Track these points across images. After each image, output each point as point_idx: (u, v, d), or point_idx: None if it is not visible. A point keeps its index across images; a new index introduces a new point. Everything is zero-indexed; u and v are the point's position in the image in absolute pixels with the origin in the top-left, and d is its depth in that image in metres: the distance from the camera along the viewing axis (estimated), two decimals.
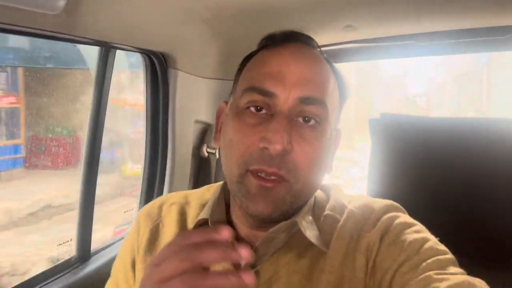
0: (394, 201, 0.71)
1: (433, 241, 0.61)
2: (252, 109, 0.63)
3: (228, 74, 1.42)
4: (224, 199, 0.72)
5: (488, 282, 0.54)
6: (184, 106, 1.31)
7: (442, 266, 0.56)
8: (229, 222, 0.70)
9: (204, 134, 1.45)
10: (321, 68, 0.66)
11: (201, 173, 1.48)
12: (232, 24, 1.21)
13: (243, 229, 0.68)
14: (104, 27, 0.95)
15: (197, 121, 1.40)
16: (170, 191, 1.33)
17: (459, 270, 0.56)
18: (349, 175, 7.53)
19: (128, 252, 0.75)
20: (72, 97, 2.87)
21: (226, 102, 0.72)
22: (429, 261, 0.57)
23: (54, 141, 3.35)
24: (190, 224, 0.73)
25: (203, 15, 1.13)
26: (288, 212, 0.63)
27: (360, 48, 1.36)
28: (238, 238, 0.68)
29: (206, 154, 1.45)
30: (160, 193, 1.34)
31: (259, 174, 0.60)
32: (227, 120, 0.67)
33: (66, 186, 3.20)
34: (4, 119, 3.37)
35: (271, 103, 0.62)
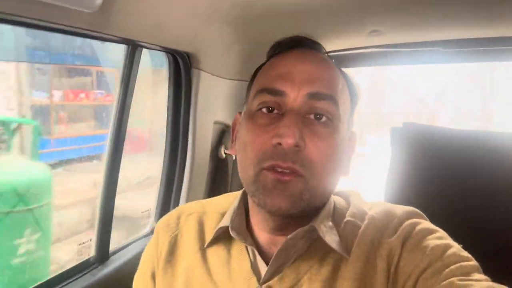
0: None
1: (456, 247, 0.60)
2: (264, 110, 0.64)
3: (250, 75, 1.40)
4: (244, 207, 0.72)
5: None
6: (205, 106, 1.30)
7: (465, 272, 0.55)
8: (249, 230, 0.70)
9: (223, 135, 1.44)
10: (328, 68, 0.67)
11: (218, 173, 1.47)
12: (256, 26, 1.20)
13: (263, 236, 0.68)
14: (132, 26, 0.94)
15: (216, 122, 1.39)
16: (188, 191, 1.32)
17: (483, 277, 0.55)
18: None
19: (148, 264, 0.76)
20: (145, 96, 3.19)
21: (240, 113, 0.72)
22: (452, 267, 0.56)
23: (135, 131, 4.48)
24: (208, 233, 0.73)
25: (229, 15, 1.12)
26: (306, 210, 0.62)
27: (384, 53, 1.35)
28: (258, 246, 0.67)
29: (224, 155, 1.44)
30: (178, 193, 1.33)
31: (275, 169, 0.60)
32: (241, 127, 0.68)
33: (149, 163, 4.31)
34: (106, 114, 5.11)
35: (281, 102, 0.63)
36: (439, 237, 0.62)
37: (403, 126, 1.13)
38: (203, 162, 1.37)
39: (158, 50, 1.14)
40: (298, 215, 0.62)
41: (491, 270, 0.60)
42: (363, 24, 1.21)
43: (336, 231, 0.66)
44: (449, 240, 0.62)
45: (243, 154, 0.64)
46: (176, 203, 1.32)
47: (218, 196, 0.82)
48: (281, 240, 0.64)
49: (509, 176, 1.02)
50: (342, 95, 0.66)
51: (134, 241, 1.26)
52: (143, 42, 1.04)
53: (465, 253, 0.59)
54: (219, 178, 1.46)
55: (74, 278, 1.06)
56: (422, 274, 0.57)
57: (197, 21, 1.08)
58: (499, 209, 1.03)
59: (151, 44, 1.06)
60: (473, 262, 0.58)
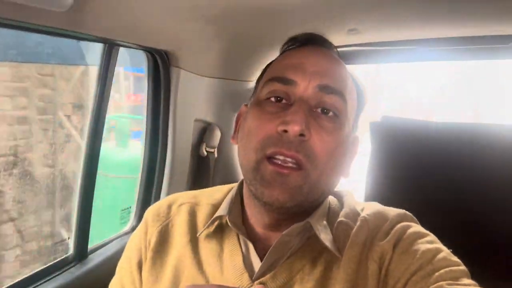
0: (392, 204, 0.71)
1: (446, 252, 0.61)
2: (272, 99, 0.64)
3: (230, 73, 1.41)
4: (240, 198, 0.72)
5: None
6: (185, 104, 1.30)
7: (455, 277, 0.56)
8: (244, 223, 0.69)
9: (204, 133, 1.44)
10: (339, 65, 0.68)
11: (200, 171, 1.47)
12: (235, 23, 1.20)
13: (258, 230, 0.68)
14: (108, 24, 0.94)
15: (197, 120, 1.39)
16: (168, 189, 1.32)
17: (471, 282, 0.56)
18: None
19: (135, 252, 0.74)
20: None
21: (247, 105, 0.73)
22: (442, 271, 0.57)
23: None
24: (201, 224, 0.72)
25: (207, 14, 1.11)
26: (303, 204, 0.62)
27: (363, 52, 1.36)
28: (253, 240, 0.67)
29: (205, 153, 1.44)
30: (158, 191, 1.33)
31: (276, 159, 0.60)
32: (247, 115, 0.68)
33: None
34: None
35: (290, 92, 0.63)
36: (430, 241, 0.62)
37: (381, 120, 1.14)
38: (183, 160, 1.37)
39: (136, 49, 1.13)
40: (294, 209, 0.62)
41: (471, 262, 0.61)
42: (342, 22, 1.22)
43: (330, 231, 0.66)
44: (439, 244, 0.62)
45: (246, 140, 0.64)
46: (157, 201, 1.32)
47: (211, 188, 0.81)
48: (275, 236, 0.64)
49: (490, 167, 1.03)
50: (350, 95, 0.67)
51: (113, 239, 1.26)
52: (119, 40, 1.03)
53: (455, 258, 0.60)
54: (201, 176, 1.46)
55: (51, 276, 1.05)
56: (411, 277, 0.58)
57: (175, 19, 1.08)
58: (480, 201, 1.04)
59: (128, 42, 1.06)
60: (462, 267, 0.59)
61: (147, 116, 1.29)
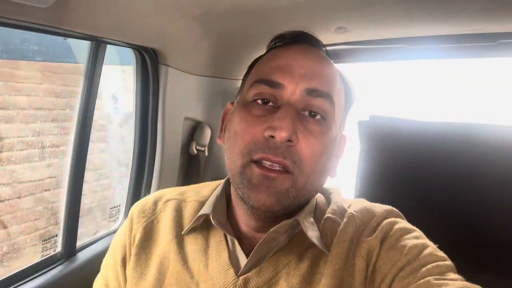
0: (382, 202, 0.71)
1: (432, 247, 0.61)
2: (259, 101, 0.63)
3: (219, 71, 1.41)
4: (226, 197, 0.72)
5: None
6: (174, 103, 1.30)
7: (441, 272, 0.56)
8: (230, 220, 0.69)
9: (194, 131, 1.45)
10: (327, 66, 0.66)
11: (190, 170, 1.47)
12: (223, 22, 1.20)
13: (244, 229, 0.68)
14: (95, 22, 0.94)
15: (186, 118, 1.40)
16: (158, 187, 1.32)
17: (458, 276, 0.56)
18: None
19: (119, 249, 0.74)
20: None
21: (232, 103, 0.72)
22: (428, 266, 0.57)
23: None
24: (187, 221, 0.72)
25: (195, 12, 1.12)
26: (290, 207, 0.62)
27: (351, 50, 1.37)
28: (239, 237, 0.67)
29: (195, 152, 1.44)
30: (148, 189, 1.33)
31: (263, 163, 0.59)
32: (232, 116, 0.67)
33: None
34: None
35: (278, 95, 0.62)
36: (416, 237, 0.62)
37: (369, 119, 1.14)
38: (173, 159, 1.37)
39: (123, 46, 1.14)
40: (281, 213, 0.61)
41: (458, 257, 0.61)
42: (329, 20, 1.22)
43: (317, 227, 0.66)
44: (426, 240, 0.62)
45: (232, 143, 0.64)
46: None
47: (198, 184, 0.81)
48: (261, 235, 0.64)
49: (476, 165, 1.03)
50: (338, 95, 0.66)
51: (102, 237, 1.26)
52: (106, 38, 1.03)
53: (441, 253, 0.60)
54: (190, 174, 1.46)
55: (40, 273, 1.05)
56: (399, 273, 0.58)
57: (163, 16, 1.08)
58: (467, 198, 1.04)
59: (115, 40, 1.06)
60: (449, 262, 0.59)
61: (136, 114, 1.29)
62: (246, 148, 0.61)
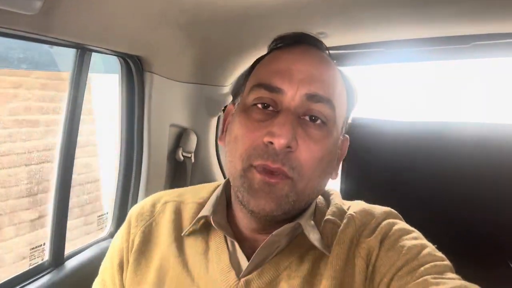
0: (366, 201, 0.73)
1: (430, 247, 0.61)
2: (259, 105, 0.63)
3: (204, 78, 1.43)
4: (226, 197, 0.72)
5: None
6: (159, 110, 1.31)
7: (439, 271, 0.57)
8: (230, 222, 0.69)
9: (180, 138, 1.46)
10: (329, 69, 0.66)
11: (177, 176, 1.48)
12: (207, 29, 1.22)
13: (245, 231, 0.68)
14: (80, 29, 0.95)
15: (172, 125, 1.41)
16: (145, 194, 1.32)
17: (456, 276, 0.57)
18: None
19: (117, 253, 0.74)
20: None
21: (234, 104, 0.72)
22: (427, 266, 0.57)
23: None
24: (186, 223, 0.72)
25: (179, 20, 1.13)
26: (290, 212, 0.62)
27: (331, 55, 1.40)
28: (239, 240, 0.67)
29: (182, 158, 1.45)
30: (135, 197, 1.33)
31: (263, 169, 0.60)
32: (233, 119, 0.67)
33: None
34: None
35: (277, 100, 0.62)
36: (415, 237, 0.63)
37: (351, 121, 1.17)
38: (160, 165, 1.38)
39: (108, 54, 1.15)
40: (282, 217, 0.62)
41: (455, 257, 0.62)
42: (310, 26, 1.25)
43: (317, 229, 0.66)
44: (424, 241, 0.63)
45: (233, 147, 0.64)
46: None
47: (197, 185, 0.80)
48: (262, 237, 0.64)
49: (460, 164, 1.06)
50: (339, 98, 0.66)
51: (90, 245, 1.25)
52: (92, 45, 1.04)
53: (439, 253, 0.61)
54: (178, 181, 1.47)
55: (27, 282, 1.04)
56: (397, 272, 0.58)
57: (147, 24, 1.09)
58: (452, 196, 1.07)
59: (101, 47, 1.07)
60: (447, 262, 0.59)
61: (121, 121, 1.29)
62: (246, 153, 0.61)
